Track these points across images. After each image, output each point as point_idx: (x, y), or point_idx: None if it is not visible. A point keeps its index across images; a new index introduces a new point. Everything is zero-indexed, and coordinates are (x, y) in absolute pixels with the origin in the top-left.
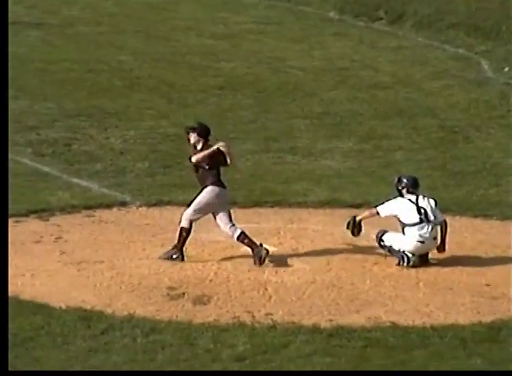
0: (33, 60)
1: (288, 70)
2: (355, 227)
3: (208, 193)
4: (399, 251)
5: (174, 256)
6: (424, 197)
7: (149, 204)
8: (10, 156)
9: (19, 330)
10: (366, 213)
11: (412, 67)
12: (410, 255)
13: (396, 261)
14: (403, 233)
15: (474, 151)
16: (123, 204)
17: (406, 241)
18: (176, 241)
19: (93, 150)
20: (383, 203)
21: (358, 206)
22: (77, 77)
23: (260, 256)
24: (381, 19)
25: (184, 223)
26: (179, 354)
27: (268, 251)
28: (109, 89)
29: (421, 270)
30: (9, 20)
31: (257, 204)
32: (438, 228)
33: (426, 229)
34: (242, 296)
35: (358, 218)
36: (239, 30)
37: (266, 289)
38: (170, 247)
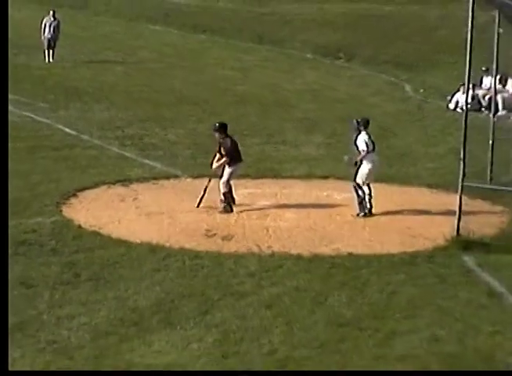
0: (118, 85)
1: (280, 91)
2: (355, 164)
3: (230, 170)
4: (364, 205)
5: (228, 208)
6: None
7: (193, 177)
8: (104, 145)
9: (110, 256)
10: (360, 156)
11: (360, 89)
12: (367, 211)
13: (355, 212)
14: (361, 162)
15: (400, 143)
16: (176, 176)
17: (368, 165)
18: (224, 200)
19: (157, 142)
20: (355, 141)
21: (326, 178)
22: (146, 96)
23: (224, 209)
24: (341, 58)
25: (224, 189)
26: (213, 272)
27: (229, 211)
28: (167, 103)
29: (367, 219)
30: (100, 59)
31: (262, 176)
32: None
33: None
34: (252, 235)
35: (357, 160)
36: (249, 65)
37: (268, 230)
38: (223, 204)
